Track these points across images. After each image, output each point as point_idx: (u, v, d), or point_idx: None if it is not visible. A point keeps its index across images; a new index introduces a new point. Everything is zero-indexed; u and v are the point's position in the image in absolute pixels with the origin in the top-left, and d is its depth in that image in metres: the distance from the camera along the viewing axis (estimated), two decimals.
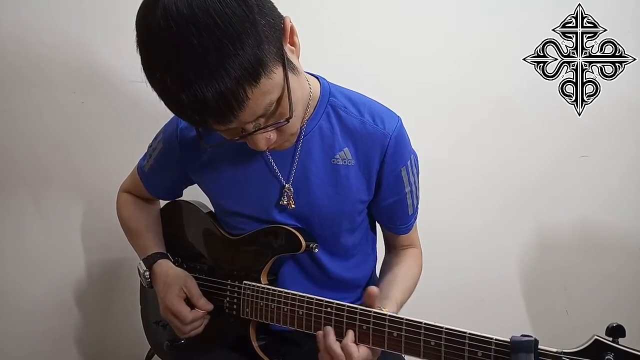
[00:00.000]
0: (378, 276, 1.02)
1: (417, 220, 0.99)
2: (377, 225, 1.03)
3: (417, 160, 0.94)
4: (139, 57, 0.68)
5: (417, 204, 0.97)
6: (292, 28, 0.73)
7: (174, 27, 0.62)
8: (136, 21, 0.67)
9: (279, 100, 0.71)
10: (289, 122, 0.74)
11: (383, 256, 1.04)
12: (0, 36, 1.27)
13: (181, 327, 0.90)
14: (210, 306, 0.91)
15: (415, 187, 0.94)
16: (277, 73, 0.69)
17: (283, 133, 0.77)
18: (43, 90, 1.30)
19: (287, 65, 0.71)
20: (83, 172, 1.36)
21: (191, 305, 0.91)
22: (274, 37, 0.68)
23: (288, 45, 0.73)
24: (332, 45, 1.32)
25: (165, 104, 0.69)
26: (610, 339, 0.61)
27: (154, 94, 0.69)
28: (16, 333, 1.39)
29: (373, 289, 0.77)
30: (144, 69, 0.68)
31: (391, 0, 1.34)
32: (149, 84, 0.68)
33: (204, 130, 0.79)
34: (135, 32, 0.67)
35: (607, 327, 0.61)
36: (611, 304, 1.45)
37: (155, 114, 1.29)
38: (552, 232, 1.46)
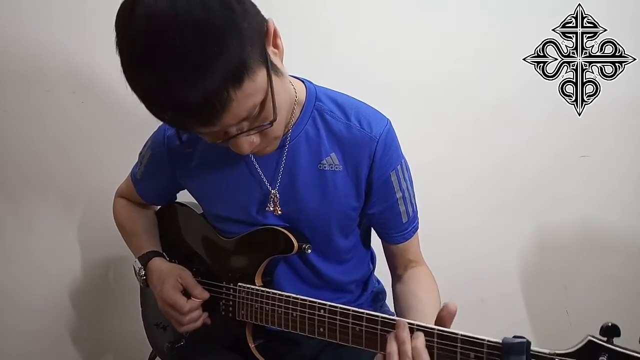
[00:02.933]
0: (395, 307, 0.96)
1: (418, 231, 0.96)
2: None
3: (407, 166, 0.92)
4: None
5: (414, 212, 0.94)
6: (275, 31, 0.71)
7: (155, 27, 0.61)
8: (116, 21, 0.66)
9: (263, 103, 0.70)
10: (272, 125, 0.73)
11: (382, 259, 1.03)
12: (0, 35, 1.27)
13: (179, 318, 0.89)
14: (206, 294, 0.91)
15: (409, 194, 0.91)
16: (261, 76, 0.68)
17: (266, 136, 0.76)
18: (43, 90, 1.30)
19: (270, 68, 0.69)
20: (83, 172, 1.36)
21: (188, 297, 0.91)
22: (257, 39, 0.67)
23: (271, 47, 0.71)
24: (331, 46, 1.32)
25: (147, 107, 0.68)
26: (605, 339, 0.60)
27: None
28: (16, 333, 1.39)
29: (451, 307, 0.71)
30: (123, 70, 0.67)
31: (391, 1, 1.34)
32: (129, 87, 0.67)
33: (184, 131, 0.78)
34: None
35: (602, 327, 0.60)
36: (611, 304, 1.45)
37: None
38: (552, 232, 1.46)
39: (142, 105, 1.35)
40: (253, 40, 0.66)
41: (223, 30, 0.62)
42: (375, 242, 1.04)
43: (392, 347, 0.69)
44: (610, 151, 1.41)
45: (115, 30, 0.66)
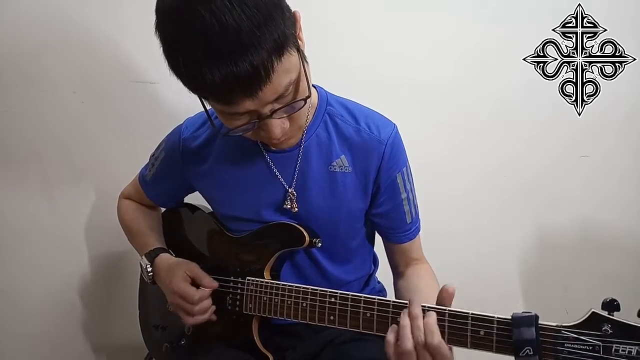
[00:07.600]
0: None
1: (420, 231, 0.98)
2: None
3: (410, 170, 0.95)
4: (159, 41, 0.68)
5: (417, 214, 0.97)
6: (300, 24, 0.75)
7: (205, 2, 0.63)
8: (157, 3, 0.68)
9: (297, 82, 0.73)
10: (305, 103, 0.75)
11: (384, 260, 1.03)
12: (0, 36, 1.27)
13: (189, 308, 0.90)
14: (215, 284, 0.92)
15: (412, 195, 0.95)
16: (295, 56, 0.71)
17: (293, 122, 0.79)
18: (43, 90, 1.31)
19: (300, 52, 0.73)
20: (83, 171, 1.36)
21: (197, 287, 0.91)
22: (292, 21, 0.72)
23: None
24: (332, 46, 1.32)
25: (192, 85, 0.69)
26: (606, 312, 0.64)
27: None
28: (16, 333, 1.39)
29: (449, 288, 0.72)
30: (168, 52, 0.68)
31: (391, 1, 1.34)
32: (171, 70, 0.69)
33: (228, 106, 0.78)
34: (156, 16, 0.68)
35: (603, 302, 0.64)
36: None
37: (155, 114, 1.29)
38: (552, 232, 1.46)
39: (142, 106, 1.35)
40: (290, 21, 0.71)
41: (268, 4, 0.65)
42: (378, 246, 1.04)
43: (404, 320, 0.70)
44: (610, 151, 1.41)
45: (157, 12, 0.68)
